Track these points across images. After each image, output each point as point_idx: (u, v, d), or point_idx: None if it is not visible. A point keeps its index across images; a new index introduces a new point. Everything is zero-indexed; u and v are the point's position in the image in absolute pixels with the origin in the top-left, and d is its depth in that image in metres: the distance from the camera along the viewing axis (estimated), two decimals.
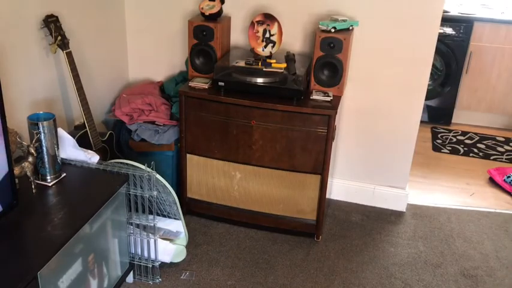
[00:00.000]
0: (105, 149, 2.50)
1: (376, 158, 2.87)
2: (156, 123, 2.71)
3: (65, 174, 1.98)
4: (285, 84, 2.39)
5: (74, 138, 2.13)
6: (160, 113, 2.73)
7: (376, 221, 2.82)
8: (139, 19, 2.93)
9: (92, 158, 2.11)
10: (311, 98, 2.42)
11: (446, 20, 3.79)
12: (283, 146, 2.44)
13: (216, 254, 2.47)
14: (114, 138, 2.58)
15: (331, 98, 2.41)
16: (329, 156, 2.41)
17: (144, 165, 2.11)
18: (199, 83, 2.52)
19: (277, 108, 2.38)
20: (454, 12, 3.94)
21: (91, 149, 2.33)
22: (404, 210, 2.92)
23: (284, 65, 2.44)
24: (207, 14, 2.52)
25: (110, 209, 1.98)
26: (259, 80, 2.41)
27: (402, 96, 2.69)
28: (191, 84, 2.52)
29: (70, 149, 2.08)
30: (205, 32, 2.51)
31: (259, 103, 2.40)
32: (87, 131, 2.36)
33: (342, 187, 2.95)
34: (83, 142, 2.32)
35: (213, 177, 2.62)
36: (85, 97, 2.34)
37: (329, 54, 2.41)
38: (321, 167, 2.43)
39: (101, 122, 2.83)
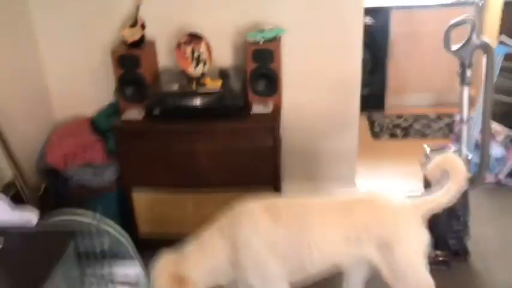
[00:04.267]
0: (42, 205, 2.31)
1: (322, 158, 2.87)
2: (92, 164, 2.54)
3: (0, 245, 1.78)
4: (223, 102, 2.32)
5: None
6: (95, 152, 2.56)
7: None
8: (56, 53, 2.73)
9: (30, 219, 1.93)
10: (251, 112, 2.37)
11: (365, 12, 3.87)
12: (231, 165, 2.37)
13: None
14: (50, 190, 2.40)
15: (272, 108, 2.37)
16: (279, 168, 2.37)
17: (91, 216, 1.96)
18: (133, 115, 2.40)
19: (219, 129, 2.32)
20: (370, 4, 4.03)
21: None
22: None
23: (219, 83, 2.37)
24: (129, 42, 2.40)
25: (60, 271, 1.81)
26: (196, 102, 2.32)
27: (338, 93, 2.71)
28: (124, 117, 2.39)
29: (2, 213, 1.89)
30: (130, 60, 2.38)
31: (199, 126, 2.32)
32: (18, 189, 2.16)
33: (292, 191, 2.92)
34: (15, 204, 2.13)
35: (165, 209, 2.51)
36: (10, 149, 2.14)
37: (262, 65, 2.37)
38: (272, 179, 2.39)
39: (31, 173, 2.61)
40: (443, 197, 1.77)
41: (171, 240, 2.52)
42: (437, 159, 1.83)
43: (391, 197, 1.83)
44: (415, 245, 1.76)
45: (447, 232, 2.38)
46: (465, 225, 2.38)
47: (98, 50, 2.69)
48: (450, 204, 1.82)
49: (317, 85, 2.69)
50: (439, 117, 4.05)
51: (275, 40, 2.41)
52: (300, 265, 1.76)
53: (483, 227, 2.62)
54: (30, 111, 2.64)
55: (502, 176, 3.01)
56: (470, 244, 2.43)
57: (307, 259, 1.74)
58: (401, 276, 1.74)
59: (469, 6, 3.83)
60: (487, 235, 2.58)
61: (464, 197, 2.33)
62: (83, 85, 2.80)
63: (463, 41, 2.11)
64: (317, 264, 1.76)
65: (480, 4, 3.75)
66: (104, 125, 2.67)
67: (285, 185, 2.88)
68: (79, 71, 2.77)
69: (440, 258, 2.38)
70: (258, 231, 1.73)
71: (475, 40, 2.07)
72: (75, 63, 2.75)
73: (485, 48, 2.10)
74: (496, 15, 3.22)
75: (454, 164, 1.77)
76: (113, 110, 2.74)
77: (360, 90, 2.72)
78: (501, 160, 3.00)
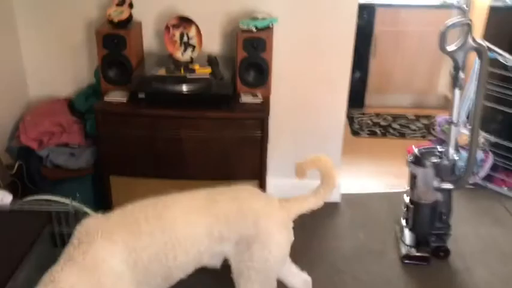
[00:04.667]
0: (15, 184, 2.19)
1: (306, 152, 2.83)
2: (69, 145, 2.43)
3: None
4: (212, 90, 2.25)
5: None
6: (73, 133, 2.45)
7: (315, 216, 2.75)
8: (33, 29, 2.59)
9: (3, 198, 1.82)
10: (240, 101, 2.31)
11: None
12: (217, 154, 2.31)
13: None
14: (24, 169, 2.27)
15: (261, 99, 2.31)
16: (265, 160, 2.32)
17: (69, 198, 1.87)
18: (116, 97, 2.30)
19: (207, 116, 2.24)
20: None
21: None
22: (339, 201, 2.93)
23: (209, 70, 2.29)
24: (115, 21, 2.29)
25: (35, 255, 1.71)
26: (184, 88, 2.24)
27: (327, 89, 2.68)
28: (107, 99, 2.29)
29: None
30: (116, 40, 2.28)
31: (186, 112, 2.24)
32: None
33: (276, 186, 2.87)
34: None
35: (144, 197, 2.41)
36: None
37: (253, 54, 2.31)
38: (258, 172, 2.34)
39: (4, 152, 2.47)
40: (313, 199, 1.68)
41: None
42: (312, 158, 1.71)
43: (258, 193, 1.70)
44: (275, 248, 1.61)
45: (429, 230, 2.39)
46: (447, 225, 2.39)
47: (80, 29, 2.57)
48: (318, 207, 1.75)
49: (305, 80, 2.65)
50: (417, 118, 4.10)
51: (268, 29, 2.35)
52: (166, 276, 1.54)
53: (462, 227, 2.65)
54: (3, 89, 2.49)
55: (479, 178, 3.06)
56: (450, 243, 2.45)
57: (173, 265, 1.52)
58: (248, 278, 1.60)
59: (454, 10, 3.87)
60: (465, 234, 2.62)
61: (448, 196, 2.35)
62: (60, 64, 2.67)
63: (459, 43, 2.10)
64: (184, 267, 1.57)
65: (465, 8, 3.81)
66: (82, 107, 2.56)
67: (269, 180, 2.85)
68: (57, 49, 2.64)
69: (421, 255, 2.39)
70: (113, 253, 1.42)
71: (470, 42, 2.07)
72: (55, 41, 2.62)
73: (480, 50, 2.10)
74: (481, 19, 3.27)
75: (327, 167, 1.67)
76: (92, 92, 2.63)
77: (347, 89, 2.70)
78: (479, 162, 3.04)
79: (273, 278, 1.65)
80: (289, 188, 2.87)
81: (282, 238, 1.63)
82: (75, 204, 1.87)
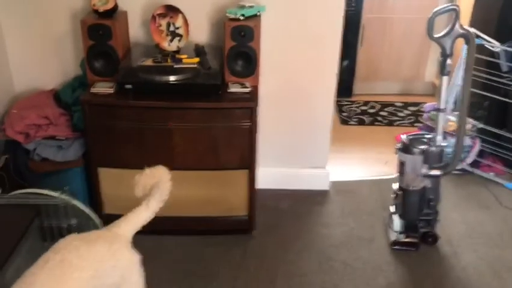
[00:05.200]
0: (2, 178, 2.16)
1: (296, 142, 2.85)
2: (57, 138, 2.40)
3: None
4: (200, 79, 2.23)
5: None
6: (60, 126, 2.42)
7: (304, 204, 2.82)
8: (18, 21, 2.54)
9: None
10: (228, 91, 2.29)
11: None
12: (205, 145, 2.30)
13: (148, 270, 2.27)
14: (10, 163, 2.25)
15: (250, 89, 2.30)
16: (255, 150, 2.32)
17: (59, 192, 1.85)
18: (103, 88, 2.27)
19: (195, 107, 2.23)
20: None
21: None
22: (328, 189, 2.94)
23: (196, 60, 2.28)
24: (101, 10, 2.25)
25: (24, 249, 1.70)
26: (171, 78, 2.22)
27: (315, 77, 2.67)
28: (93, 90, 2.26)
29: None
30: (101, 31, 2.24)
31: (174, 103, 2.22)
32: None
33: (266, 175, 2.88)
34: None
35: (132, 188, 2.40)
36: None
37: (241, 43, 2.29)
38: (247, 162, 2.34)
39: None
40: (145, 214, 1.53)
41: None
42: (148, 172, 1.55)
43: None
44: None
45: (418, 216, 2.42)
46: (435, 210, 2.42)
47: (65, 19, 2.53)
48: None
49: (293, 68, 2.64)
50: (405, 106, 4.12)
51: (255, 17, 2.34)
52: None
53: (450, 212, 2.69)
54: None
55: (467, 164, 3.09)
56: (438, 228, 2.48)
57: None
58: None
59: None
60: (453, 220, 2.65)
61: (436, 183, 2.38)
62: (45, 56, 2.62)
63: (446, 29, 2.11)
64: None
65: None
66: (69, 99, 2.53)
67: (259, 169, 2.85)
68: (42, 40, 2.59)
69: (409, 241, 2.42)
70: None
71: (458, 28, 2.08)
72: (38, 33, 2.57)
73: (467, 37, 2.11)
74: (468, 6, 3.27)
75: (163, 176, 1.55)
76: (79, 84, 2.60)
77: (336, 77, 2.70)
78: (466, 149, 3.07)
79: None
80: (278, 177, 2.90)
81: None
82: (64, 197, 1.85)
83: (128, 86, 2.22)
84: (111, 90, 2.25)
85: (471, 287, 2.21)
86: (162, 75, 2.22)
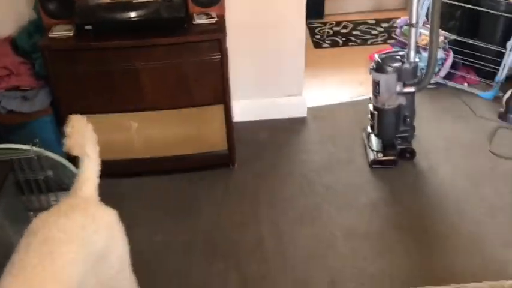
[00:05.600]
0: None
1: (269, 71, 2.79)
2: (21, 88, 2.30)
3: None
4: (162, 13, 2.12)
5: None
6: (22, 75, 2.31)
7: (283, 133, 2.82)
8: None
9: None
10: (194, 23, 2.20)
11: None
12: (176, 82, 2.23)
13: (132, 213, 2.29)
14: None
15: (216, 19, 2.21)
16: (228, 83, 2.27)
17: (29, 144, 1.80)
18: (61, 31, 2.15)
19: (160, 43, 2.14)
20: None
21: None
22: (306, 116, 2.93)
23: None
24: None
25: (1, 207, 1.68)
26: (132, 15, 2.11)
27: (284, 1, 2.57)
28: (51, 35, 2.14)
29: None
30: None
31: (137, 41, 2.13)
32: None
33: (242, 108, 2.85)
34: None
35: (105, 133, 2.32)
36: None
37: None
38: (221, 96, 2.29)
39: None
40: (93, 163, 1.44)
41: (115, 165, 2.43)
42: (69, 132, 1.40)
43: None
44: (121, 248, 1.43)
45: (394, 134, 2.44)
46: (411, 126, 2.44)
47: None
48: None
49: None
50: (378, 23, 4.04)
51: None
52: None
53: (425, 127, 2.72)
54: None
55: (440, 77, 3.09)
56: (415, 144, 2.52)
57: None
58: None
59: None
60: (429, 134, 2.69)
61: (411, 99, 2.38)
62: None
63: None
64: None
65: None
66: (27, 45, 2.39)
67: (235, 103, 2.81)
68: None
69: (388, 158, 2.46)
70: None
71: None
72: None
73: None
74: None
75: (78, 123, 1.44)
76: (35, 28, 2.45)
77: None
78: (439, 61, 3.06)
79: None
80: (254, 108, 2.87)
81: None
82: (36, 149, 1.80)
83: (88, 27, 2.10)
84: (70, 33, 2.14)
85: (449, 196, 2.28)
86: (122, 12, 2.10)
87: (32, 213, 1.95)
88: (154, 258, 2.04)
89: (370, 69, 2.36)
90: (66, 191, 2.17)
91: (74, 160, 1.50)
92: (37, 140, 1.81)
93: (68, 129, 1.40)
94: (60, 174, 2.09)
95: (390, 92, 2.31)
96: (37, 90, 2.31)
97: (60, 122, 2.34)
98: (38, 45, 2.14)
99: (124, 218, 2.27)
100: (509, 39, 2.86)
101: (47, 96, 2.32)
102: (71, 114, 2.24)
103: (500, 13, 2.89)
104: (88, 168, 1.44)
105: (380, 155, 2.47)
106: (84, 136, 1.42)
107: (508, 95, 2.78)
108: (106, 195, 2.27)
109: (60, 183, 2.15)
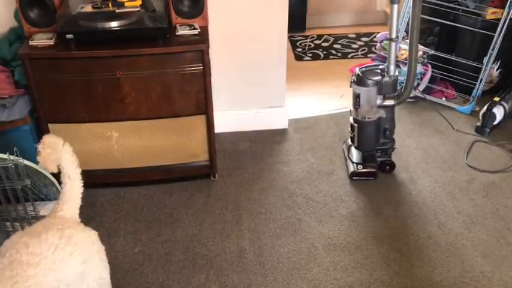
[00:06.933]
0: None
1: (252, 82, 2.80)
2: None
3: None
4: (145, 24, 2.12)
5: None
6: (1, 83, 2.28)
7: (264, 144, 2.83)
8: None
9: None
10: (177, 34, 2.20)
11: None
12: (158, 92, 2.23)
13: (112, 223, 2.27)
14: None
15: (199, 30, 2.22)
16: (210, 94, 2.27)
17: (6, 153, 1.77)
18: (42, 39, 2.13)
19: (143, 53, 2.13)
20: None
21: None
22: (287, 127, 2.95)
23: (139, 2, 2.15)
24: None
25: None
26: (114, 24, 2.10)
27: (266, 14, 2.60)
28: (32, 43, 2.12)
29: None
30: None
31: (119, 51, 2.12)
32: None
33: (223, 119, 2.86)
34: None
35: (86, 142, 2.33)
36: None
37: None
38: (204, 106, 2.29)
39: None
40: (75, 183, 1.43)
41: (95, 175, 2.40)
42: (41, 148, 1.39)
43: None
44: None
45: (374, 146, 2.47)
46: (391, 139, 2.48)
47: None
48: None
49: (243, 4, 2.55)
50: (358, 37, 4.10)
51: None
52: None
53: (405, 140, 2.77)
54: None
55: (419, 91, 3.15)
56: (394, 156, 2.56)
57: None
58: None
59: None
60: (409, 147, 2.73)
61: (391, 112, 2.42)
62: None
63: None
64: None
65: None
66: (6, 53, 2.37)
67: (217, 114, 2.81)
68: None
69: (368, 171, 2.48)
70: None
71: None
72: None
73: None
74: None
75: (55, 142, 1.41)
76: (16, 36, 2.42)
77: (287, 11, 2.63)
78: (418, 76, 3.12)
79: None
80: (236, 120, 2.88)
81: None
82: (14, 158, 1.77)
83: (69, 36, 2.09)
84: (51, 42, 2.12)
85: (427, 209, 2.31)
86: (104, 21, 2.09)
87: (8, 223, 1.91)
88: (134, 270, 2.02)
89: (351, 82, 2.39)
90: (44, 200, 2.15)
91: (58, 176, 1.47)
92: (15, 149, 1.78)
93: (40, 145, 1.38)
94: (38, 183, 2.05)
95: (370, 104, 2.35)
96: (16, 98, 2.28)
97: (39, 131, 2.31)
98: (18, 53, 2.11)
99: (104, 228, 2.26)
100: (485, 55, 2.94)
101: (26, 105, 2.29)
102: (50, 123, 2.25)
103: (477, 30, 2.97)
104: (70, 188, 1.42)
105: (360, 167, 2.50)
106: (57, 152, 1.39)
107: (484, 109, 2.84)
108: (86, 206, 2.25)
109: (38, 192, 2.11)
